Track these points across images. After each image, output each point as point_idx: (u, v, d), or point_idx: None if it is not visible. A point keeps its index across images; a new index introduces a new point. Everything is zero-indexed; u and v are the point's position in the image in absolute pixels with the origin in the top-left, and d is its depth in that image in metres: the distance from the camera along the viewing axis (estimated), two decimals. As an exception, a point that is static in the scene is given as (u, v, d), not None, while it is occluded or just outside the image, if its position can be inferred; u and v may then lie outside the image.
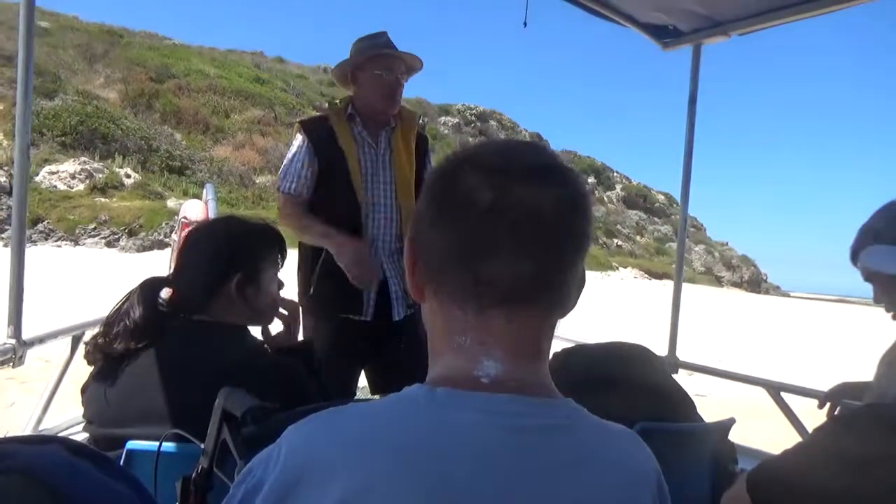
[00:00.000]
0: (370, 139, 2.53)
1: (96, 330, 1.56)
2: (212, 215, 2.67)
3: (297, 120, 2.67)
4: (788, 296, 40.77)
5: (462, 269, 0.74)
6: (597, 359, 1.78)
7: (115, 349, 1.45)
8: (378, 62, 2.47)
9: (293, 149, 2.55)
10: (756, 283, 40.04)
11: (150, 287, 1.55)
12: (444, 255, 0.75)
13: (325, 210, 2.47)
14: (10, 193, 18.39)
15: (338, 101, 2.61)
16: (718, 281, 37.36)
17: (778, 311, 23.33)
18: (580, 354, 1.82)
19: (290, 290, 1.78)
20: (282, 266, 1.69)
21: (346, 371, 2.51)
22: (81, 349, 2.32)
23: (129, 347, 1.45)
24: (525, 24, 2.93)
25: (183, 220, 2.57)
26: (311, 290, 2.48)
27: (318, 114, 2.78)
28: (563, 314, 0.79)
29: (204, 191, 2.70)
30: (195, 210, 2.54)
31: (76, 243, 19.00)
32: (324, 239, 2.42)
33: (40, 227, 19.20)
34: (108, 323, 1.50)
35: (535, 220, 0.72)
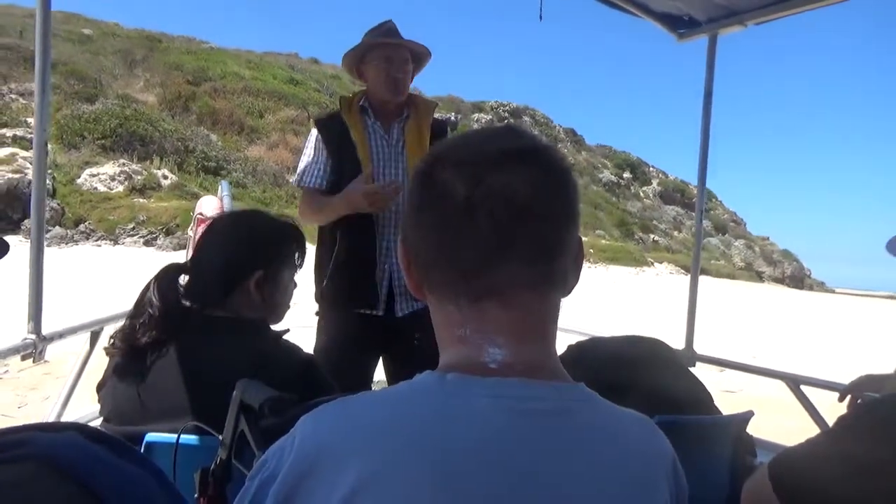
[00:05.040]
0: (382, 130, 2.52)
1: (119, 324, 1.56)
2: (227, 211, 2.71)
3: (313, 117, 2.66)
4: (833, 292, 39.59)
5: (447, 264, 0.75)
6: (607, 362, 1.77)
7: (139, 340, 1.45)
8: (379, 51, 2.47)
9: (308, 145, 2.58)
10: (799, 279, 39.04)
11: (168, 275, 1.54)
12: (430, 253, 0.76)
13: None
14: (52, 195, 18.90)
15: (350, 94, 2.61)
16: (759, 276, 36.56)
17: (819, 307, 22.73)
18: (590, 357, 1.80)
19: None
20: (300, 266, 1.69)
21: (360, 362, 2.52)
22: (101, 344, 2.38)
23: (154, 339, 1.45)
24: (541, 17, 2.91)
25: (199, 215, 2.61)
26: (325, 283, 2.49)
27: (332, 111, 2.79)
28: (565, 293, 0.78)
29: (219, 187, 2.75)
30: (210, 206, 2.58)
31: (115, 243, 19.42)
32: (337, 205, 2.40)
33: (81, 227, 19.68)
34: (133, 315, 1.50)
35: (510, 206, 0.72)
